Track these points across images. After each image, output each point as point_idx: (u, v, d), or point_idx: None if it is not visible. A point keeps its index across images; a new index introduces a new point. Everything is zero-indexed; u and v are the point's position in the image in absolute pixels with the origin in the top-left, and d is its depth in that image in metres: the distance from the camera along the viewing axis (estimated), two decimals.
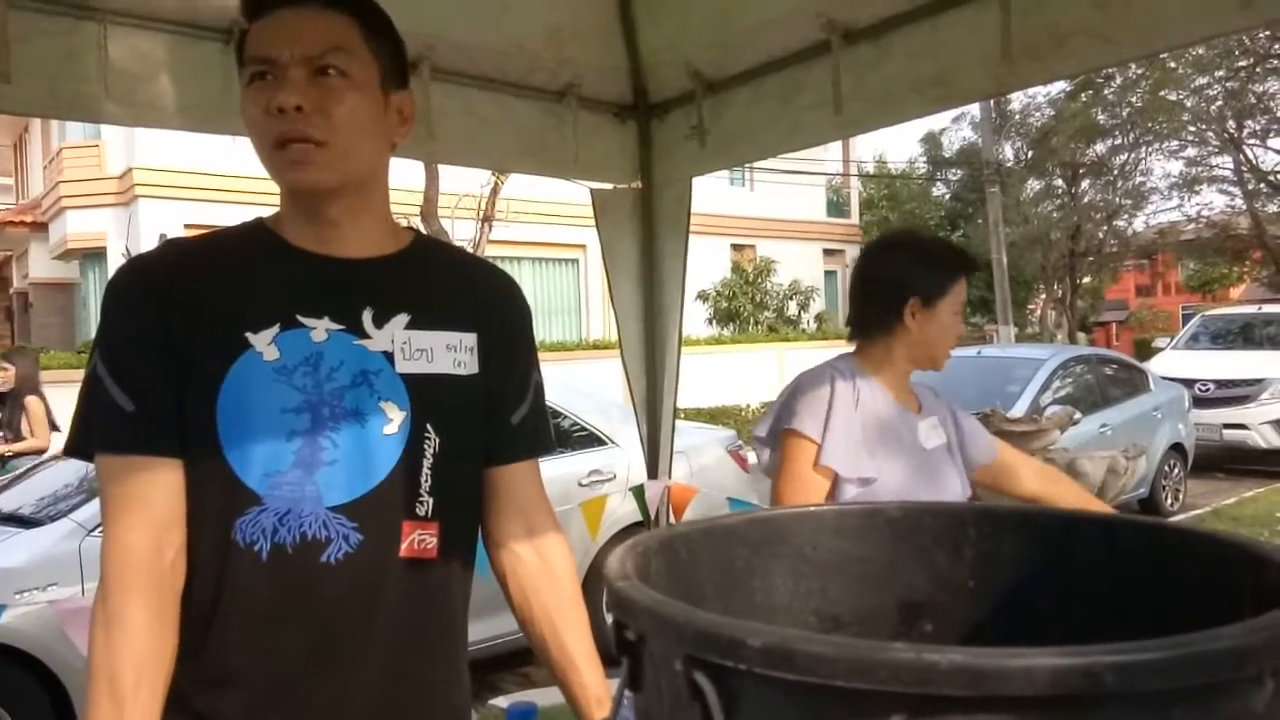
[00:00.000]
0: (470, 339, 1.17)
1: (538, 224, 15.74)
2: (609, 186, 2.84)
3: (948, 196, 25.42)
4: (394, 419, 1.10)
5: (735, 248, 19.74)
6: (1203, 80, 18.58)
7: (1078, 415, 6.22)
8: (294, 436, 1.05)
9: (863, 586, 0.83)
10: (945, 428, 1.94)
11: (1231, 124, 19.39)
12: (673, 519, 3.13)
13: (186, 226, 12.34)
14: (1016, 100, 21.35)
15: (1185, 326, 13.34)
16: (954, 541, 0.83)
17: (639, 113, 2.71)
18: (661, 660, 0.57)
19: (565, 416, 4.93)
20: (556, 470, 4.49)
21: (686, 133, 2.58)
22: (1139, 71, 18.53)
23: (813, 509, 0.89)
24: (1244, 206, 20.78)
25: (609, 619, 0.65)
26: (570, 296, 18.11)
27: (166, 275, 1.09)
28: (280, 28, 1.06)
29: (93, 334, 1.13)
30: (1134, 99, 19.57)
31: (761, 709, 0.52)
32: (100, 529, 1.03)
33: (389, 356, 1.11)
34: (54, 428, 6.22)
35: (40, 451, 5.94)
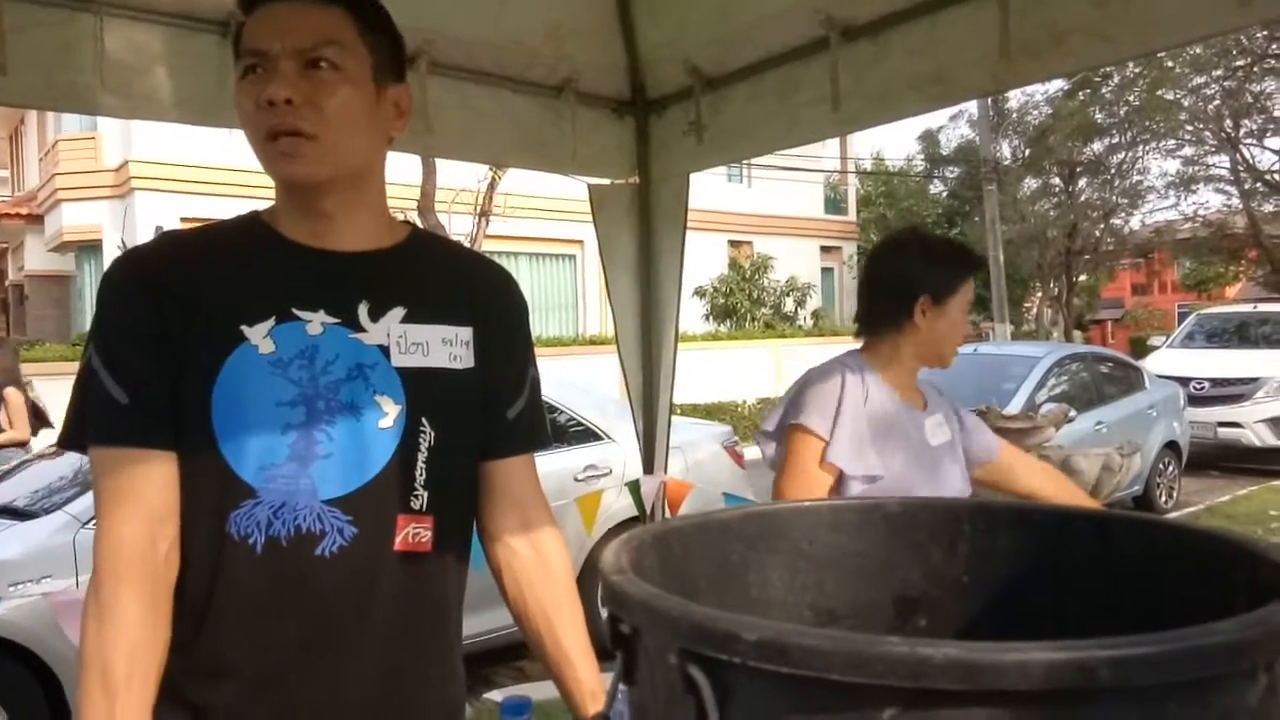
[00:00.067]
0: (466, 333, 1.17)
1: (535, 219, 15.73)
2: (606, 182, 2.83)
3: (945, 194, 25.43)
4: (389, 413, 1.10)
5: (732, 244, 19.75)
6: (1200, 79, 18.61)
7: (1073, 413, 6.22)
8: (289, 429, 1.05)
9: (858, 581, 0.84)
10: (949, 425, 1.95)
11: (1228, 123, 19.42)
12: (668, 514, 3.13)
13: (183, 219, 12.31)
14: (1014, 98, 21.41)
15: (1181, 325, 13.36)
16: (949, 537, 0.83)
17: (637, 108, 2.70)
18: (656, 654, 0.57)
19: (562, 411, 4.93)
20: (552, 465, 4.49)
21: (684, 129, 2.58)
22: (1136, 70, 18.54)
23: (809, 504, 0.89)
24: (1240, 206, 20.82)
25: (604, 613, 0.65)
26: (567, 292, 18.10)
27: (162, 268, 1.09)
28: (273, 21, 1.06)
29: (88, 326, 1.12)
30: (1131, 98, 19.58)
31: (756, 702, 0.52)
32: (95, 522, 1.03)
33: (385, 350, 1.11)
34: (45, 423, 6.19)
35: (21, 444, 5.90)
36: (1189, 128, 20.16)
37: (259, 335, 1.06)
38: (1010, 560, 0.81)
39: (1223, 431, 9.97)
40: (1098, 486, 4.84)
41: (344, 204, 1.12)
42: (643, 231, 2.85)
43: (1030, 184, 22.72)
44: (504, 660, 4.54)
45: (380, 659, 1.11)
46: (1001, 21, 1.82)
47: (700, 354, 13.89)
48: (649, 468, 3.04)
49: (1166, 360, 10.92)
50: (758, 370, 15.28)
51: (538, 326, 15.77)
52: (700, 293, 17.16)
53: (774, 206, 20.20)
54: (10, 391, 6.05)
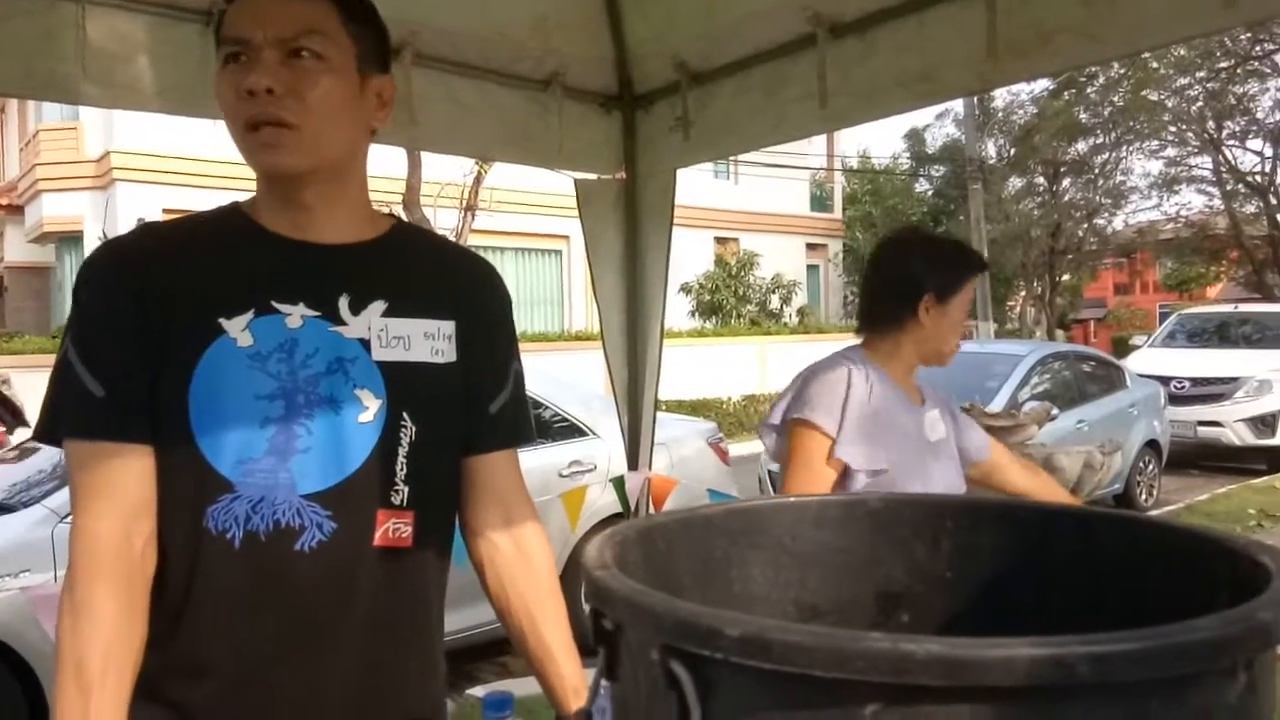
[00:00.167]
0: (449, 327, 1.16)
1: (521, 214, 15.70)
2: (593, 177, 2.83)
3: (930, 193, 25.52)
4: (370, 407, 1.09)
5: (719, 240, 19.77)
6: (1184, 81, 18.77)
7: (1055, 411, 6.27)
8: (268, 423, 1.04)
9: (841, 577, 0.84)
10: (945, 421, 1.97)
11: (1211, 125, 19.60)
12: (652, 510, 3.13)
13: (165, 211, 12.22)
14: (1000, 98, 21.53)
15: (1162, 324, 13.47)
16: (932, 533, 0.83)
17: (624, 103, 2.70)
18: (638, 649, 0.57)
19: (546, 407, 4.93)
20: (537, 461, 4.49)
21: (671, 124, 2.57)
22: (1121, 71, 18.67)
23: (793, 500, 0.89)
24: (1222, 207, 21.03)
25: (588, 610, 0.65)
26: (553, 287, 18.07)
27: (141, 259, 1.07)
28: (255, 9, 1.05)
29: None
30: (1116, 98, 19.73)
31: (738, 698, 0.52)
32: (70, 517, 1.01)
33: (365, 344, 1.10)
34: (21, 421, 6.12)
35: None
36: (1172, 129, 20.34)
37: (237, 328, 1.05)
38: (994, 556, 0.81)
39: (1203, 430, 10.05)
40: (1079, 484, 4.88)
41: (325, 195, 1.11)
42: (629, 227, 2.84)
43: (1015, 183, 22.86)
44: (487, 656, 4.53)
45: (360, 655, 1.10)
46: (989, 20, 1.83)
47: (685, 350, 13.91)
48: (634, 464, 3.04)
49: (1148, 359, 11.00)
50: (743, 367, 15.31)
51: (523, 322, 15.71)
52: (686, 289, 17.18)
53: (760, 203, 20.24)
54: None
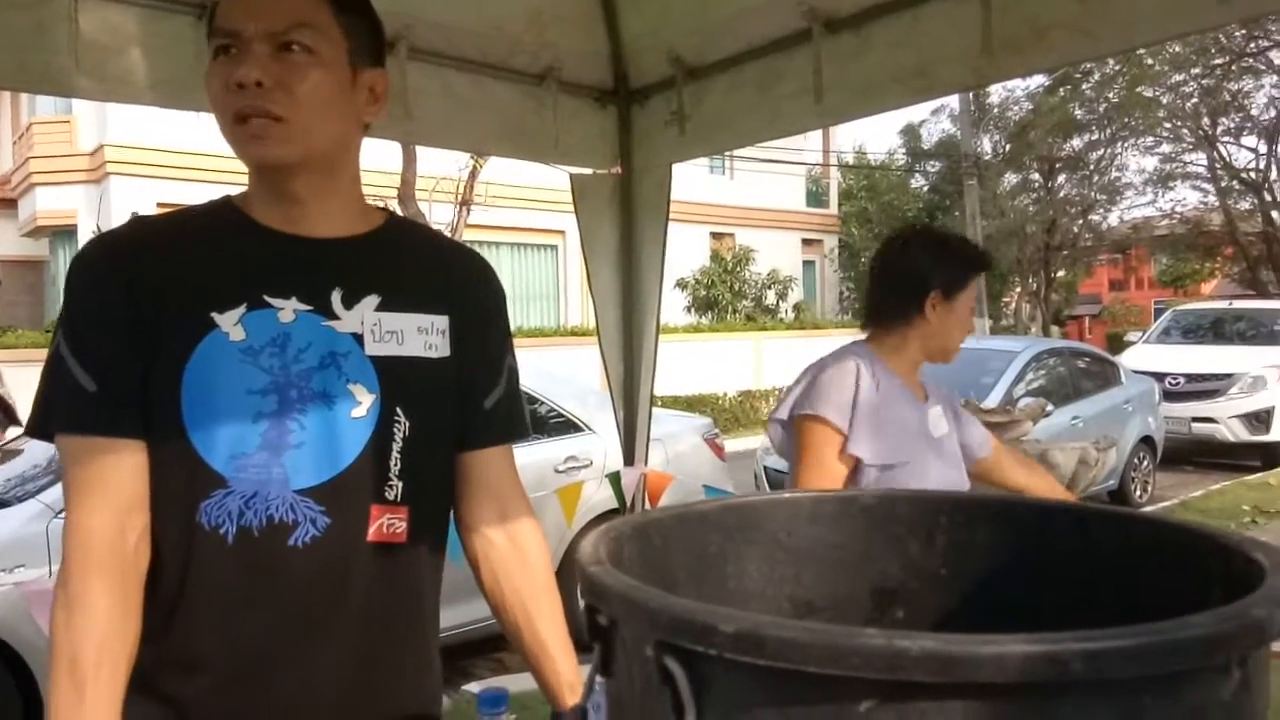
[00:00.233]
0: (442, 321, 1.16)
1: (517, 209, 15.67)
2: (588, 172, 2.82)
3: (926, 188, 25.52)
4: (363, 402, 1.09)
5: (714, 236, 19.75)
6: (1179, 77, 18.79)
7: (1050, 407, 6.27)
8: (260, 418, 1.04)
9: (836, 573, 0.84)
10: (948, 417, 1.97)
11: (1206, 121, 19.63)
12: (648, 506, 3.13)
13: (159, 205, 12.16)
14: (995, 94, 21.52)
15: (1157, 321, 13.49)
16: (927, 529, 0.83)
17: (619, 98, 2.69)
18: (633, 645, 0.57)
19: (542, 402, 4.92)
20: (533, 456, 4.49)
21: (667, 119, 2.57)
22: (1116, 67, 18.68)
23: (788, 496, 0.89)
24: (1217, 203, 21.06)
25: (583, 605, 0.64)
26: (549, 282, 18.05)
27: (133, 253, 1.07)
28: (246, 2, 1.04)
29: None
30: (1111, 95, 19.74)
31: (732, 694, 0.52)
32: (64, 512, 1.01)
33: (358, 338, 1.09)
34: (13, 419, 6.09)
35: None
36: (1167, 125, 20.36)
37: (229, 323, 1.04)
38: (988, 553, 0.81)
39: (1197, 427, 10.07)
40: (1074, 480, 4.88)
41: (315, 188, 1.10)
42: (624, 222, 2.84)
43: (1010, 179, 22.88)
44: (483, 652, 4.53)
45: (354, 650, 1.10)
46: (984, 16, 1.83)
47: (681, 346, 13.91)
48: (629, 459, 3.04)
49: (1142, 356, 11.02)
50: (739, 363, 15.31)
51: (519, 317, 15.76)
52: (682, 284, 17.17)
53: (756, 199, 20.22)
54: None
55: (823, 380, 1.83)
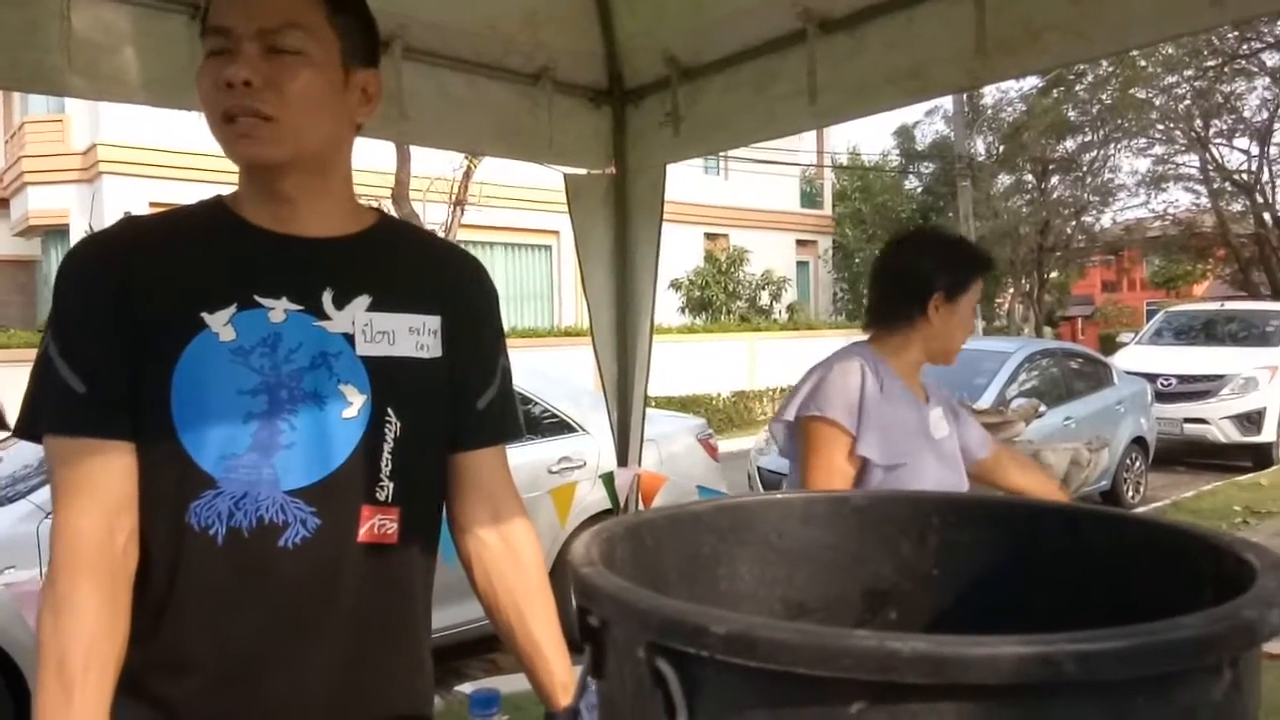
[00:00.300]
0: (434, 322, 1.16)
1: (511, 209, 15.66)
2: (583, 172, 2.82)
3: (920, 189, 25.57)
4: (354, 402, 1.08)
5: (709, 236, 19.77)
6: (1172, 79, 18.84)
7: (1043, 408, 6.29)
8: (251, 419, 1.04)
9: (828, 574, 0.84)
10: (948, 418, 1.97)
11: (1198, 123, 19.69)
12: (642, 506, 3.13)
13: (152, 204, 12.13)
14: (989, 95, 21.59)
15: (1149, 322, 13.52)
16: (919, 530, 0.83)
17: (614, 98, 2.69)
18: (625, 647, 0.57)
19: (536, 403, 4.92)
20: (526, 457, 4.48)
21: (661, 119, 2.57)
22: (1109, 69, 18.74)
23: (780, 496, 0.89)
24: (1209, 205, 21.13)
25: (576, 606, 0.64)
26: (543, 283, 18.04)
27: (124, 253, 1.06)
28: (238, 1, 1.04)
29: None
30: (1104, 96, 19.80)
31: (724, 696, 0.52)
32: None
33: (349, 338, 1.09)
34: (2, 424, 6.06)
35: None
36: (1160, 127, 20.43)
37: (219, 323, 1.04)
38: (980, 554, 0.81)
39: (1189, 427, 10.10)
40: (1066, 481, 4.89)
41: (306, 188, 1.10)
42: (619, 222, 2.83)
43: (1003, 180, 22.93)
44: (476, 653, 4.53)
45: (345, 651, 1.09)
46: (978, 17, 1.83)
47: (675, 346, 13.91)
48: (623, 460, 3.04)
49: (1135, 357, 11.06)
50: (733, 363, 15.31)
51: (512, 317, 15.74)
52: (676, 285, 17.16)
53: (750, 199, 20.24)
54: None
55: (829, 382, 1.83)
